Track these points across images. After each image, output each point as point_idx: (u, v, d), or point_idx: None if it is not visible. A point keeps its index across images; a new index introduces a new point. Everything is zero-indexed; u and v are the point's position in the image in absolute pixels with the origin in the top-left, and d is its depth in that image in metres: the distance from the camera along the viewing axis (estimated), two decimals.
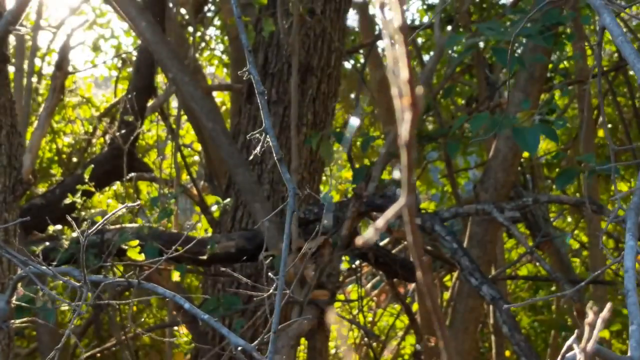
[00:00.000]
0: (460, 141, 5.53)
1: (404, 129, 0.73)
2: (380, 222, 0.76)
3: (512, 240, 7.66)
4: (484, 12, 6.00)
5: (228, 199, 4.48)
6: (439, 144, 7.00)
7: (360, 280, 6.44)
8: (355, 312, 6.94)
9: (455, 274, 6.34)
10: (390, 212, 0.77)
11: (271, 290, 2.24)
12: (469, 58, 6.18)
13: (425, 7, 7.72)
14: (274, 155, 2.10)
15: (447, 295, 7.26)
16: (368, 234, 0.77)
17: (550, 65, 5.15)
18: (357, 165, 5.79)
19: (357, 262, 6.05)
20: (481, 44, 6.30)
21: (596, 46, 2.03)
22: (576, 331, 1.08)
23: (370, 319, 7.66)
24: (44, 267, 2.17)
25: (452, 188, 6.80)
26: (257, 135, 2.18)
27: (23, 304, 2.72)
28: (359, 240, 0.77)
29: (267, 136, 2.16)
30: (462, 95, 7.66)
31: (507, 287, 7.68)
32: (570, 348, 1.12)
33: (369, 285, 7.92)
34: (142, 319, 7.20)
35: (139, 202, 1.88)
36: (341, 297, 7.34)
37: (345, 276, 7.08)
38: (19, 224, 3.23)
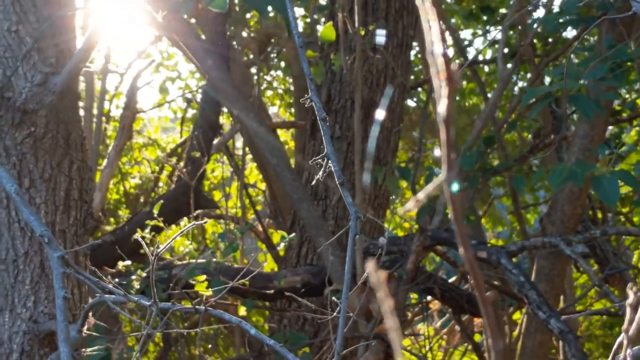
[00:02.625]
0: (526, 176, 5.48)
1: (441, 106, 0.74)
2: (421, 194, 0.78)
3: (584, 276, 7.53)
4: (548, 45, 5.97)
5: (293, 234, 4.51)
6: (505, 180, 6.96)
7: (426, 318, 6.39)
8: (424, 351, 6.87)
9: (524, 310, 6.25)
10: (430, 187, 0.79)
11: (334, 314, 2.25)
12: None
13: (488, 43, 7.72)
14: (336, 180, 2.12)
15: (516, 333, 7.16)
16: (408, 204, 0.78)
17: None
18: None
19: (427, 299, 6.01)
20: (547, 78, 6.28)
21: None
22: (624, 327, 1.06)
23: (440, 357, 7.57)
24: (116, 294, 2.22)
25: (519, 224, 6.73)
26: (320, 161, 2.20)
27: (94, 333, 2.77)
28: (400, 211, 0.78)
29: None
30: (529, 129, 7.61)
31: (582, 325, 7.54)
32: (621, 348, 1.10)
33: (438, 324, 7.84)
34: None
35: (204, 221, 1.91)
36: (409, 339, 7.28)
37: (414, 314, 7.04)
38: (89, 258, 3.30)
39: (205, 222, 1.95)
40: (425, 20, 0.80)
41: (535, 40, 6.06)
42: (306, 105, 2.23)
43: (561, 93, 5.54)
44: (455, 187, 0.78)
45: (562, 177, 3.73)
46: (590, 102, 3.69)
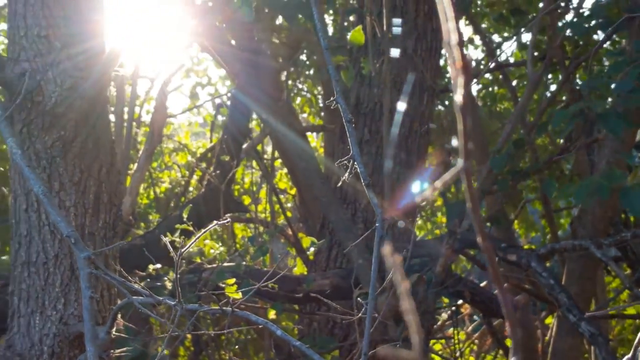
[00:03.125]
0: (557, 179, 5.44)
1: (458, 94, 0.75)
2: (439, 183, 0.78)
3: (617, 280, 7.46)
4: (578, 47, 5.94)
5: (322, 240, 4.50)
6: (537, 184, 6.91)
7: (456, 323, 6.36)
8: (456, 355, 6.85)
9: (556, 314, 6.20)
10: (448, 175, 0.79)
11: (360, 314, 2.25)
12: (566, 94, 6.11)
13: (512, 43, 7.69)
14: (362, 181, 2.12)
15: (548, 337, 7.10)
16: (426, 193, 0.79)
17: None
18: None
19: (457, 304, 5.99)
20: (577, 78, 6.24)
21: None
22: None
23: None
24: (143, 295, 2.23)
25: (550, 228, 6.68)
26: (346, 162, 2.21)
27: (123, 335, 2.79)
28: (418, 199, 0.79)
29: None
30: (561, 132, 7.53)
31: (614, 329, 7.47)
32: None
33: (469, 328, 7.81)
34: None
35: (227, 220, 1.92)
36: (441, 341, 7.26)
37: (446, 318, 7.01)
38: (121, 262, 3.33)
39: (228, 222, 1.96)
40: (442, 12, 0.81)
41: (565, 43, 6.02)
42: (332, 107, 2.24)
43: (593, 95, 5.51)
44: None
45: (588, 191, 3.70)
46: (619, 120, 3.66)
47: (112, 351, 2.87)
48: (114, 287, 3.02)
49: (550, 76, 7.14)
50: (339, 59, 4.54)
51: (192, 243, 1.75)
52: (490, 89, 8.30)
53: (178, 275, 1.79)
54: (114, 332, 2.68)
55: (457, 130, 0.77)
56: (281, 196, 7.51)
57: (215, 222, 1.96)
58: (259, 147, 6.10)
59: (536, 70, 5.16)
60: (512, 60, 7.79)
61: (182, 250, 1.73)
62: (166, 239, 2.11)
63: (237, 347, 6.69)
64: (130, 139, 5.71)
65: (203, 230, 1.86)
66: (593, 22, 4.40)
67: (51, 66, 3.02)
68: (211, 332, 2.45)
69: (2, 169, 5.70)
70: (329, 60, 2.38)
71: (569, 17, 6.16)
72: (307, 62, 7.71)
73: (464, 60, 0.73)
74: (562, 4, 5.26)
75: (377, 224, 2.10)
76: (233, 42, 5.17)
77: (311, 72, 7.80)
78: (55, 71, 3.02)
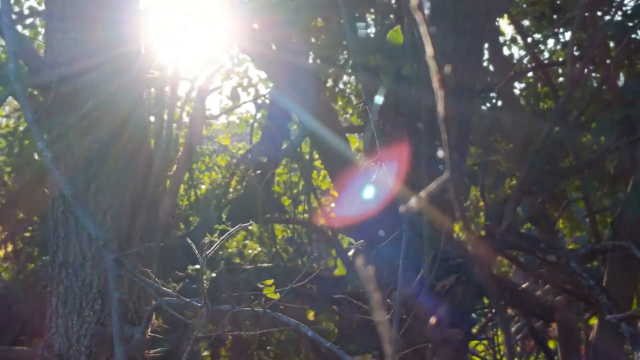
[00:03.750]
0: (601, 179, 5.37)
1: (440, 107, 0.75)
2: (423, 193, 0.78)
3: None
4: (620, 44, 5.85)
5: (361, 240, 4.50)
6: (581, 183, 6.82)
7: (496, 325, 6.31)
8: (499, 356, 6.81)
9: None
10: (434, 185, 0.79)
11: (389, 315, 2.24)
12: (607, 92, 6.04)
13: (560, 46, 7.62)
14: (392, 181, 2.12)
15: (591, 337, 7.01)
16: (411, 202, 0.79)
17: None
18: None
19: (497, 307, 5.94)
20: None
21: None
22: None
23: None
24: (173, 297, 2.25)
25: (592, 227, 6.61)
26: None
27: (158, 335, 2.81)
28: (402, 208, 0.79)
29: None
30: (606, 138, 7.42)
31: None
32: None
33: (513, 330, 7.75)
34: None
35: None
36: (484, 342, 7.21)
37: (488, 319, 6.96)
38: (162, 262, 3.36)
39: (250, 225, 1.99)
40: (421, 24, 0.81)
41: (608, 41, 5.94)
42: (360, 109, 2.24)
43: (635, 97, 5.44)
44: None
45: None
46: None
47: (147, 352, 2.90)
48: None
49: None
50: (376, 59, 4.53)
51: (217, 245, 1.76)
52: (534, 87, 8.22)
53: (201, 276, 1.81)
54: (149, 333, 2.70)
55: (442, 140, 0.77)
56: (323, 199, 7.49)
57: (239, 225, 1.97)
58: (300, 149, 6.11)
59: (577, 68, 5.09)
60: (553, 58, 7.72)
61: (208, 252, 1.74)
62: (189, 240, 2.12)
63: (274, 347, 6.70)
64: (171, 140, 5.74)
65: (227, 233, 1.87)
66: (636, 21, 4.35)
67: (88, 70, 3.05)
68: (243, 333, 2.46)
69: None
70: (357, 61, 2.38)
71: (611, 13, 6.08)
72: (349, 62, 7.69)
73: (441, 73, 0.73)
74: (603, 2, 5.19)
75: (404, 225, 2.11)
76: (272, 44, 5.18)
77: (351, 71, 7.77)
78: (92, 75, 3.06)
